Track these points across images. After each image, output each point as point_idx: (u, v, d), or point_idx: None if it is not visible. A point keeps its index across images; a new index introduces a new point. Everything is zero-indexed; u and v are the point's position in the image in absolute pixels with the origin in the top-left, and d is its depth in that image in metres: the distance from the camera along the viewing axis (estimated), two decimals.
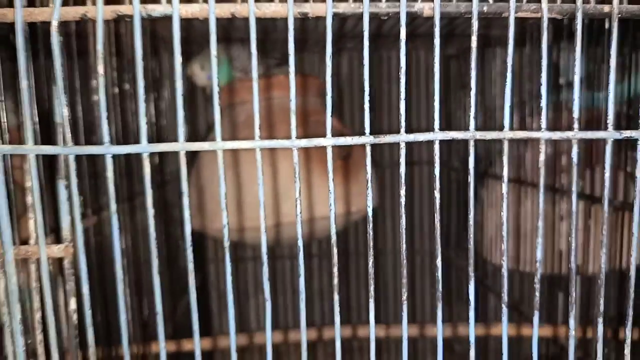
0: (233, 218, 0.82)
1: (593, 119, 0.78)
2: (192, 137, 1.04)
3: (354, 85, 1.12)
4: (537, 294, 0.34)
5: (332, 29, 0.34)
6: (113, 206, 0.35)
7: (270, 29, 0.85)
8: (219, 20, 0.35)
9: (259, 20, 0.34)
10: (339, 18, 0.73)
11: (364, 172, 0.88)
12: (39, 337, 0.38)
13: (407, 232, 1.20)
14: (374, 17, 0.35)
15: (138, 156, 0.71)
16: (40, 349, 0.38)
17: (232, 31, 0.87)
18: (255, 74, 0.35)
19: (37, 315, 0.38)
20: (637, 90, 0.72)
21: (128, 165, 0.71)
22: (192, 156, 0.97)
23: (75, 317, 0.37)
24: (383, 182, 1.14)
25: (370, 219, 0.35)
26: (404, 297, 0.35)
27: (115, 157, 0.59)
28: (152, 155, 0.80)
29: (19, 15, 0.33)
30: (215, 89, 0.34)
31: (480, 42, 1.02)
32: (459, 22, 0.84)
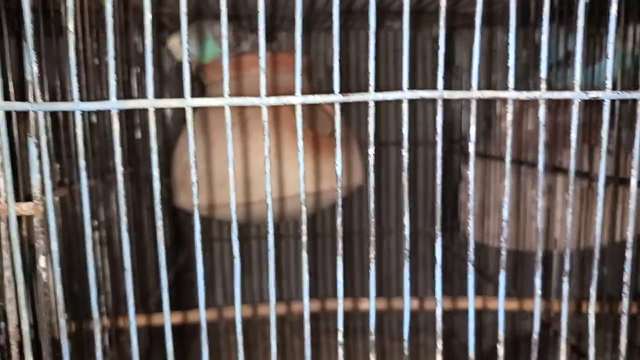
0: (207, 196, 0.83)
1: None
2: (177, 114, 1.04)
3: (341, 66, 1.11)
4: (504, 252, 0.35)
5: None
6: (82, 162, 0.35)
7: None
8: None
9: None
10: None
11: (348, 148, 0.88)
12: (9, 295, 0.38)
13: (394, 212, 1.21)
14: None
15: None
16: (11, 307, 0.38)
17: (217, 7, 0.87)
18: (225, 36, 0.35)
19: (7, 274, 0.38)
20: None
21: (108, 142, 0.70)
22: (179, 132, 0.97)
23: (44, 275, 0.37)
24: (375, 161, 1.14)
25: (340, 178, 0.36)
26: (372, 255, 0.35)
27: (94, 132, 0.59)
28: (131, 128, 0.80)
29: None
30: (185, 48, 0.34)
31: (466, 23, 1.02)
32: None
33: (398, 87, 0.36)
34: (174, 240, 1.02)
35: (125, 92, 0.74)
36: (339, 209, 0.36)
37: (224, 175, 0.83)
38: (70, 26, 0.34)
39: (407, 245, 0.35)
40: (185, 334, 0.91)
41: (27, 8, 0.34)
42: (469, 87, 0.37)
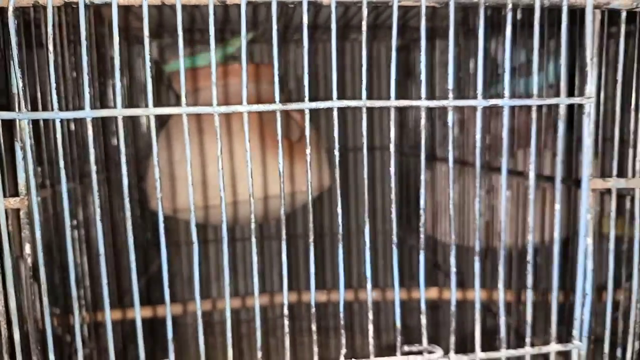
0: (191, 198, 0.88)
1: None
2: (156, 121, 1.10)
3: (319, 77, 1.18)
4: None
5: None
6: (62, 162, 0.41)
7: (234, 18, 0.90)
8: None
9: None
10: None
11: (316, 152, 0.94)
12: None
13: (368, 213, 1.28)
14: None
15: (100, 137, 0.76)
16: None
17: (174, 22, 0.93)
18: (181, 47, 0.41)
19: None
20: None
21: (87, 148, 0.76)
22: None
23: (29, 260, 0.43)
24: (346, 165, 1.21)
25: (282, 172, 0.42)
26: (311, 241, 0.41)
27: (73, 140, 0.65)
28: (108, 136, 0.86)
29: None
30: (147, 59, 0.41)
31: (426, 35, 1.09)
32: (410, 15, 0.91)
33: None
34: (154, 241, 1.08)
35: (102, 102, 0.80)
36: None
37: (196, 178, 0.88)
38: (50, 47, 0.40)
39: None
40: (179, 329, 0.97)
41: (13, 31, 0.40)
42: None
